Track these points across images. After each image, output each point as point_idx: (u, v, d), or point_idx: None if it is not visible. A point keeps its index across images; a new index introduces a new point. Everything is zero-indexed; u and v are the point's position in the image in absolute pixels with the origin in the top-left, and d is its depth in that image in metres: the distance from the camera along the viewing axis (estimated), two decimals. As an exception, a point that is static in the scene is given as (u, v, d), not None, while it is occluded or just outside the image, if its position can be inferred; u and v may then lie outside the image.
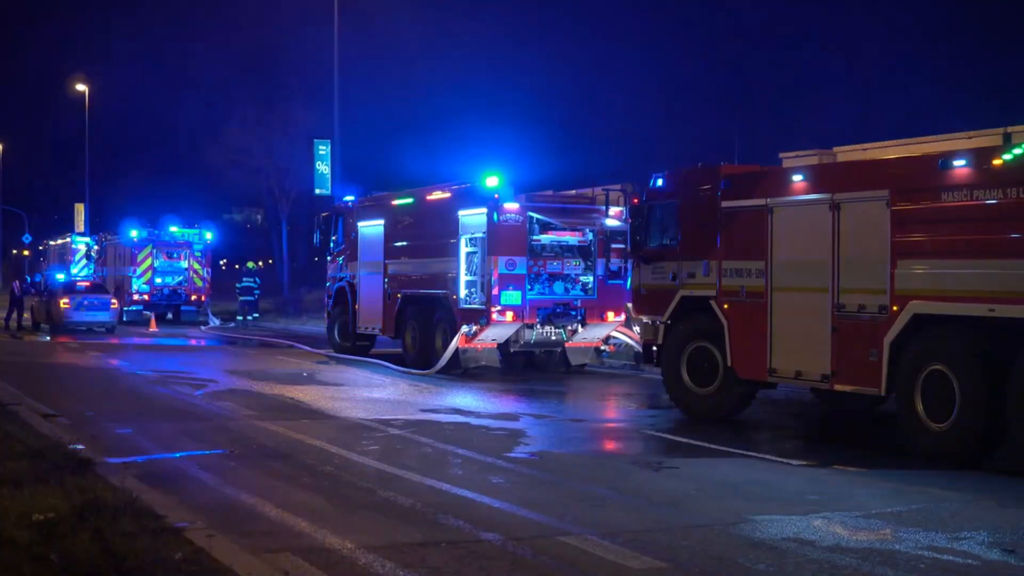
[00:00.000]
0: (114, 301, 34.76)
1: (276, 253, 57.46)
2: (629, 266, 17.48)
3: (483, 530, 8.56)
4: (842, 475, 11.28)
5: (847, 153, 14.34)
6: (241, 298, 39.99)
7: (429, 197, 22.95)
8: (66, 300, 33.21)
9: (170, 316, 40.73)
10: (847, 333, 12.76)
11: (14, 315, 35.22)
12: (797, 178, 13.71)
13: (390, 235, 24.11)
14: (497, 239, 20.44)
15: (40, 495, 8.60)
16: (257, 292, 40.43)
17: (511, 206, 20.50)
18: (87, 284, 35.98)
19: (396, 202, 24.33)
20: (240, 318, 39.69)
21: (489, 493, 9.99)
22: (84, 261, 46.18)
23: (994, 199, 11.15)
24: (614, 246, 20.48)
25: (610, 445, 14.13)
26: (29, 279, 37.74)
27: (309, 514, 9.03)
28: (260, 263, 52.42)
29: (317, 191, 38.94)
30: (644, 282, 16.33)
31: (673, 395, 15.76)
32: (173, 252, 40.22)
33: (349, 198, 26.88)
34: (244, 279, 40.49)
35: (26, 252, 70.45)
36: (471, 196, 21.17)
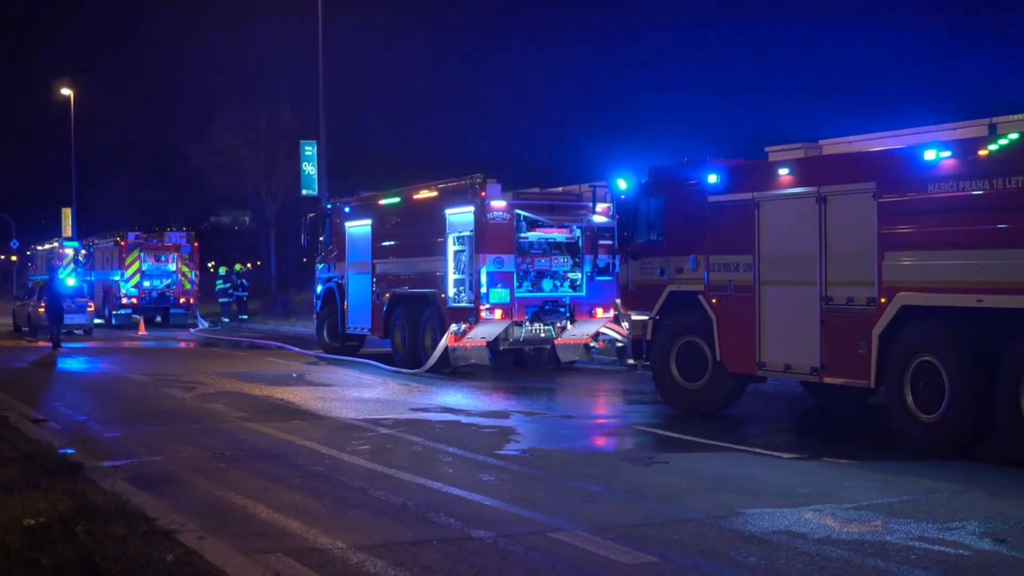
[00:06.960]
0: (90, 304, 34.95)
1: (264, 255, 57.35)
2: (617, 262, 17.47)
3: (474, 527, 8.56)
4: (832, 467, 11.30)
5: (833, 146, 14.43)
6: (220, 300, 40.45)
7: (416, 196, 22.92)
8: (43, 304, 33.03)
9: (159, 319, 40.70)
10: (836, 326, 12.79)
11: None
12: (783, 171, 13.75)
13: (378, 235, 24.08)
14: (484, 237, 20.42)
15: (30, 500, 8.56)
16: (237, 292, 40.56)
17: (498, 204, 20.48)
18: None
19: (383, 202, 24.30)
20: (226, 319, 39.78)
21: (480, 491, 9.99)
22: (72, 266, 45.99)
23: (980, 190, 11.19)
24: (602, 242, 20.41)
25: (600, 441, 14.14)
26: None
27: (300, 514, 9.02)
28: (249, 264, 52.31)
29: (304, 192, 38.93)
30: (632, 278, 16.36)
31: (663, 390, 15.79)
32: (161, 255, 40.17)
33: (337, 204, 26.87)
34: (218, 282, 40.98)
35: (14, 257, 70.11)
36: (458, 194, 21.16)
